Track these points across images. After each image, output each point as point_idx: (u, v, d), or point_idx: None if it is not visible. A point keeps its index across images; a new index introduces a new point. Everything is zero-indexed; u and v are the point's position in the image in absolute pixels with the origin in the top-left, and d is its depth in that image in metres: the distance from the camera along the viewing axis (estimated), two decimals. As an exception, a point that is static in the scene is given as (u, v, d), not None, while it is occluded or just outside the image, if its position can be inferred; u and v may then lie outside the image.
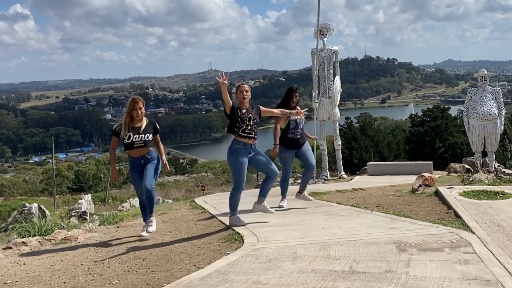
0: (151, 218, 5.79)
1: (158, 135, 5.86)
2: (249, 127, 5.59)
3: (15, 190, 39.13)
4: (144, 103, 5.71)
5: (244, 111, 5.63)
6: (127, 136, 5.58)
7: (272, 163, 5.94)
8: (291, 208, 6.73)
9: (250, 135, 5.62)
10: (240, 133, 5.58)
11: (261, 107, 5.96)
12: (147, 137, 5.67)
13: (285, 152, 6.61)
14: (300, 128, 6.59)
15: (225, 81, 5.41)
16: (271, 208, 6.19)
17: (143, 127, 5.68)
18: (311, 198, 7.00)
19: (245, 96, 5.65)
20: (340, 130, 17.73)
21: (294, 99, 6.60)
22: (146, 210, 5.81)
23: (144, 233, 5.68)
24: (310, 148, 6.96)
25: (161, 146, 5.94)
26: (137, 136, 5.60)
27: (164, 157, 5.94)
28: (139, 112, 5.62)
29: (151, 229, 5.74)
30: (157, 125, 5.87)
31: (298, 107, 6.70)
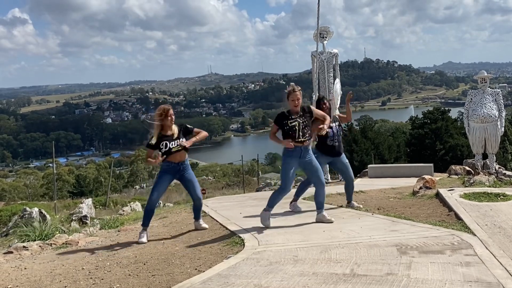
0: (200, 220, 6.26)
1: (194, 129, 5.90)
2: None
3: (16, 195, 39.16)
4: (172, 110, 5.79)
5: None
6: (164, 144, 5.69)
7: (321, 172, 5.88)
8: (292, 211, 6.74)
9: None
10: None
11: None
12: (183, 142, 5.79)
13: (318, 154, 6.50)
14: (337, 136, 6.63)
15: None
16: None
17: (176, 134, 5.78)
18: (360, 205, 6.86)
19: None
20: (340, 132, 17.73)
21: (324, 106, 6.58)
22: (149, 217, 5.92)
23: (205, 225, 6.23)
24: (347, 161, 6.95)
25: (201, 133, 5.92)
26: (173, 142, 5.72)
27: (195, 139, 5.88)
28: (170, 119, 5.69)
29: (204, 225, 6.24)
30: (187, 125, 5.93)
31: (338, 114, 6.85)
